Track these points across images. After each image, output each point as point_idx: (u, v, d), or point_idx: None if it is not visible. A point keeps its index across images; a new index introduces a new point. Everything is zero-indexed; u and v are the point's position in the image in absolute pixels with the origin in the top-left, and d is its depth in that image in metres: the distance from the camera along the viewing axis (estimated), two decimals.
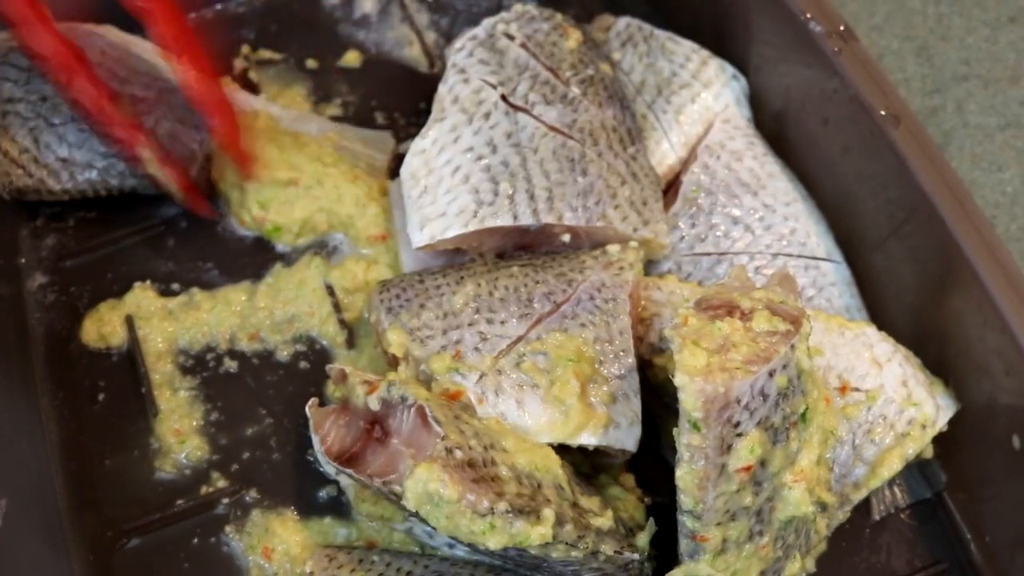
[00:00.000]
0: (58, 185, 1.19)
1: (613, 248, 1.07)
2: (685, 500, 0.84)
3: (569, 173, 1.09)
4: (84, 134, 1.19)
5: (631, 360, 1.00)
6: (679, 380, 0.80)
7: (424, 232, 1.08)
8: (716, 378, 0.80)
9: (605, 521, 0.93)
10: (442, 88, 1.16)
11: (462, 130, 1.12)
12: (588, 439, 0.97)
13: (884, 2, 1.51)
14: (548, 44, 1.18)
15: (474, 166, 1.09)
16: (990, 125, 1.41)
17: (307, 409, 0.95)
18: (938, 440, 1.03)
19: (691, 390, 0.80)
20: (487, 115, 1.12)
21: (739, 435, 0.82)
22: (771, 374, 0.82)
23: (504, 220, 1.07)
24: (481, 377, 0.98)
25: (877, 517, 1.05)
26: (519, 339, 1.00)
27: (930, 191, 1.00)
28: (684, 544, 0.87)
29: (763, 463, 0.84)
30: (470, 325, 1.01)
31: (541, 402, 0.97)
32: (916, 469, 1.06)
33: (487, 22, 1.21)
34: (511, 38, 1.17)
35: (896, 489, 1.06)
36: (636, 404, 0.99)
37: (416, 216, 1.09)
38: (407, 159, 1.13)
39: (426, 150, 1.12)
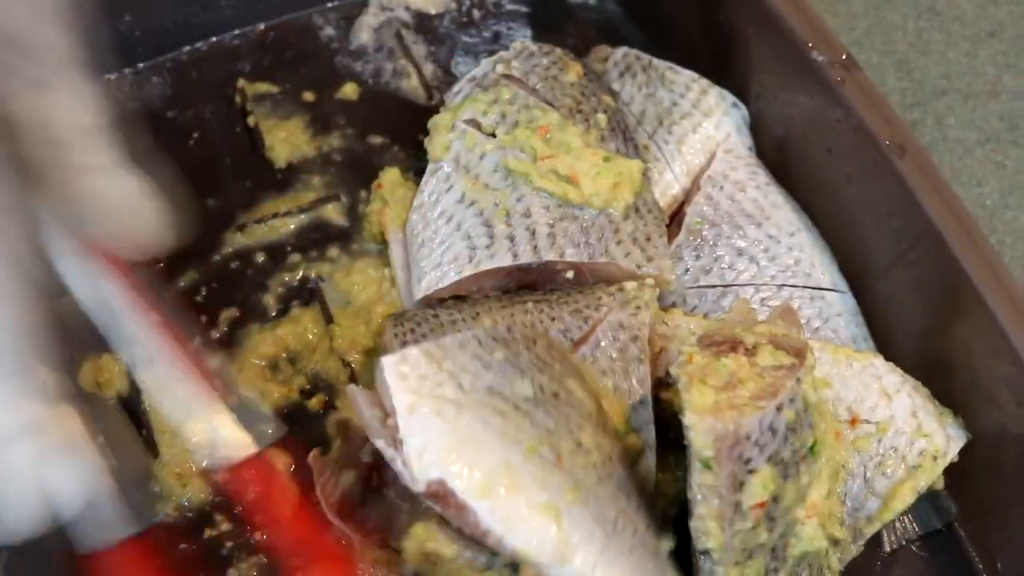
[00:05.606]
0: None
1: (630, 285, 1.05)
2: (703, 540, 0.82)
3: (571, 208, 1.08)
4: None
5: (648, 412, 0.97)
6: (689, 419, 0.79)
7: (422, 285, 1.08)
8: (726, 416, 0.79)
9: None
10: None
11: (454, 179, 1.11)
12: None
13: (864, 16, 1.51)
14: (549, 79, 1.17)
15: (466, 212, 1.09)
16: (970, 139, 1.40)
17: (309, 460, 0.94)
18: (948, 471, 1.02)
19: (701, 429, 0.79)
20: (482, 157, 1.11)
21: (750, 472, 0.81)
22: (779, 409, 0.81)
23: (503, 260, 1.06)
24: None
25: (888, 549, 1.04)
26: None
27: (935, 219, 0.99)
28: None
29: (776, 499, 0.83)
30: None
31: None
32: (926, 500, 1.04)
33: (486, 62, 1.20)
34: (510, 77, 1.16)
35: (907, 520, 1.04)
36: (651, 460, 0.96)
37: (415, 271, 1.10)
38: (409, 215, 1.13)
39: (423, 203, 1.12)
